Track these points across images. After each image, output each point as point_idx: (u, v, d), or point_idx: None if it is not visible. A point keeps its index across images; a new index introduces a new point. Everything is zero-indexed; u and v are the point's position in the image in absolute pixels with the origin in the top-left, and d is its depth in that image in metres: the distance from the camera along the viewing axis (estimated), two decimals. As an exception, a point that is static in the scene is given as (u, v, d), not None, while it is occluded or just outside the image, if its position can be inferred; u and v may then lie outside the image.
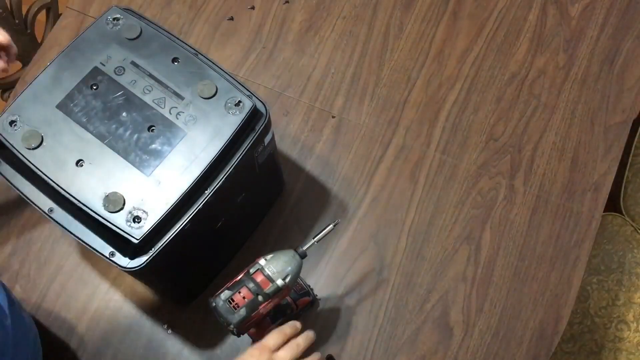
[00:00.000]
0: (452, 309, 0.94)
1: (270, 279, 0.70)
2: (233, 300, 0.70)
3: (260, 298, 0.70)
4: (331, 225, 0.74)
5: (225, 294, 0.70)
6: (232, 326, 0.70)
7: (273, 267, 0.71)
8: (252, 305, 0.70)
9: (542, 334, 0.94)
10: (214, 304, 0.71)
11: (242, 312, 0.69)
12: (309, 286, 0.87)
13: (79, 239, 0.66)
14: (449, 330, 0.94)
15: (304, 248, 0.73)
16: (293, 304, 0.85)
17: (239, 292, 0.70)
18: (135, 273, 0.67)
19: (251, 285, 0.70)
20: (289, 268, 0.71)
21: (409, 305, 0.95)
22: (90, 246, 0.67)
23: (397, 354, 0.92)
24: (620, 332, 1.21)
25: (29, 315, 0.85)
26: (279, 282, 0.70)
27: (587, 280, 1.23)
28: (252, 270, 0.71)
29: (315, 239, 0.74)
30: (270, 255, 0.72)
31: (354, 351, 0.92)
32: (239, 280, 0.72)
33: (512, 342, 0.93)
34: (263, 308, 0.71)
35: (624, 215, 1.29)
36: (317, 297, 0.87)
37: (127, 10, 0.75)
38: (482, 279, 0.96)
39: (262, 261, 0.71)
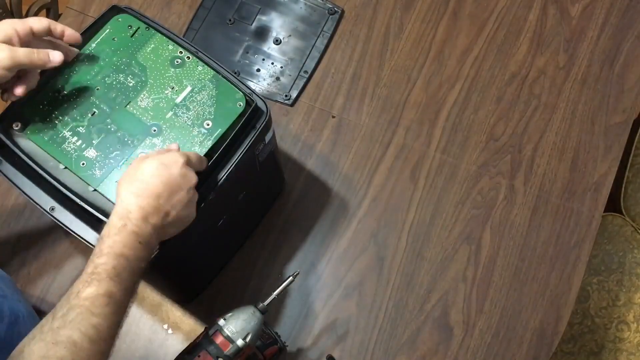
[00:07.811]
0: (452, 309, 0.94)
1: (230, 340, 0.67)
2: None
3: None
4: (291, 278, 0.73)
5: None
6: None
7: (232, 327, 0.68)
8: None
9: (542, 334, 0.94)
10: None
11: None
12: (277, 333, 0.82)
13: (81, 237, 0.66)
14: (449, 330, 0.94)
15: (265, 303, 0.71)
16: (260, 355, 0.78)
17: (199, 357, 0.66)
18: (136, 272, 0.67)
19: (211, 347, 0.67)
20: (249, 326, 0.68)
21: (409, 305, 0.95)
22: (92, 245, 0.67)
23: (397, 354, 0.92)
24: (621, 332, 1.21)
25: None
26: (239, 342, 0.67)
27: (587, 281, 1.23)
28: (211, 332, 0.68)
29: (275, 292, 0.72)
30: (229, 314, 0.69)
31: (354, 351, 0.92)
32: (199, 343, 0.68)
33: (512, 342, 0.93)
34: None
35: (624, 215, 1.29)
36: (285, 344, 0.83)
37: (128, 9, 0.75)
38: (482, 279, 0.96)
39: (221, 321, 0.68)
